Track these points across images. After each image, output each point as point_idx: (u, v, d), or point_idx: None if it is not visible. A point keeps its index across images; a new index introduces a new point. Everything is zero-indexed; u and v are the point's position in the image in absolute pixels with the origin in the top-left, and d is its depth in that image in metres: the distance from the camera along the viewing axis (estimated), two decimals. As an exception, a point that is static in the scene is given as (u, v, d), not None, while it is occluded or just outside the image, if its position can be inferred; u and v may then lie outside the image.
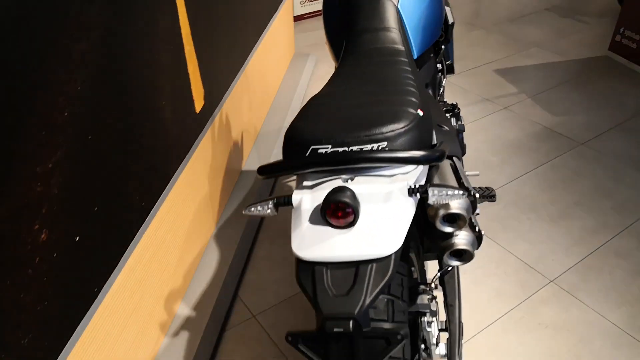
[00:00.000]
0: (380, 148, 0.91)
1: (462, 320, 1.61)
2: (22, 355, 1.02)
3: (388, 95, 1.05)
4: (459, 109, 1.66)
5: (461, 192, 0.88)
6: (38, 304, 1.06)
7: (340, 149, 0.92)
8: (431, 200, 0.89)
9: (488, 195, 1.65)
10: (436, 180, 1.06)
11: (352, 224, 0.85)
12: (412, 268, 1.32)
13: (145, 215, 1.52)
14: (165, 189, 1.64)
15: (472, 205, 1.00)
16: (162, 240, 1.64)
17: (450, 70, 1.95)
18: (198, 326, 1.76)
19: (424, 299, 1.20)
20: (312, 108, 1.06)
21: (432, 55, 1.64)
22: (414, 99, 1.04)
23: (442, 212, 0.94)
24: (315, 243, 0.85)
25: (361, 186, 0.90)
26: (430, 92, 1.55)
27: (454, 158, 1.15)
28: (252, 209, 0.95)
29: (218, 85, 2.07)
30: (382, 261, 0.82)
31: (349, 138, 0.93)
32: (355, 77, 1.19)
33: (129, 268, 1.44)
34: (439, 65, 1.77)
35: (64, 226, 1.13)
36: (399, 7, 1.41)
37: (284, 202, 0.94)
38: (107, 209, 1.30)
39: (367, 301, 0.79)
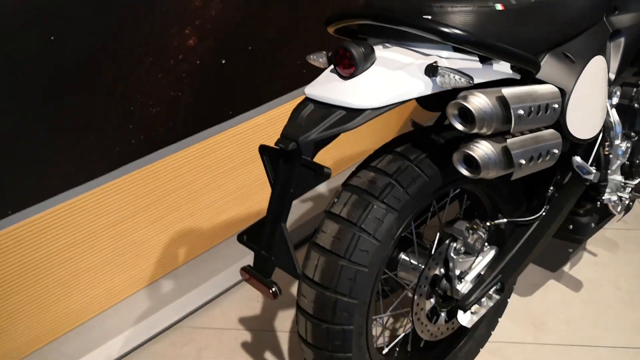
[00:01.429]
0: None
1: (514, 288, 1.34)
2: (147, 122, 1.38)
3: None
4: None
5: (467, 79, 0.79)
6: (171, 90, 1.39)
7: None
8: (438, 81, 0.83)
9: None
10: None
11: (352, 75, 0.86)
12: (500, 214, 1.20)
13: (298, 86, 1.73)
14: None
15: (506, 118, 0.87)
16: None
17: None
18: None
19: (462, 224, 1.11)
20: None
21: None
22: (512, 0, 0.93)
23: (455, 101, 0.85)
24: (318, 84, 0.90)
25: (389, 52, 0.89)
26: (621, 46, 1.26)
27: (551, 85, 0.98)
28: (311, 56, 1.04)
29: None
30: (352, 112, 0.83)
31: (403, 4, 0.91)
32: None
33: (271, 117, 1.69)
34: None
35: (213, 45, 1.42)
36: None
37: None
38: (261, 53, 1.55)
39: (313, 135, 0.82)
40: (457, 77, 0.80)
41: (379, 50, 0.90)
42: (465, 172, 0.91)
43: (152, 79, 1.34)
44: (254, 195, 1.79)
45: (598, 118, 1.13)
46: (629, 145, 1.33)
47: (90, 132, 1.28)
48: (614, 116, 1.28)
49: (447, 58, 0.88)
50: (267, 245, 0.90)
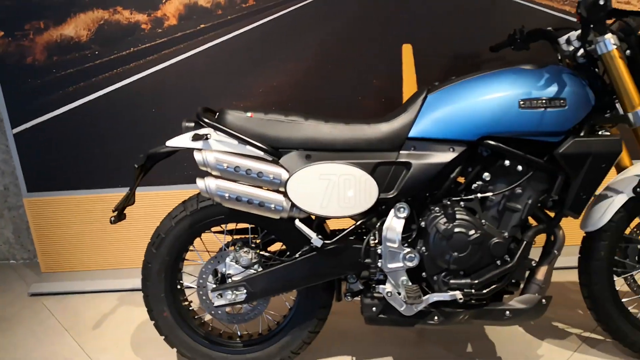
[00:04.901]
0: None
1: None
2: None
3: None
4: None
5: (194, 141, 1.62)
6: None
7: None
8: (190, 140, 1.67)
9: None
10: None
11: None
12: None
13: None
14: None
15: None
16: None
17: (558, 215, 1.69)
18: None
19: (240, 246, 1.78)
20: None
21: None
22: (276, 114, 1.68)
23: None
24: None
25: (206, 129, 1.77)
26: (408, 175, 1.67)
27: (277, 166, 1.64)
28: None
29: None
30: (164, 145, 1.75)
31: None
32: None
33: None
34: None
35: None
36: (427, 97, 1.71)
37: None
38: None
39: (149, 151, 1.77)
40: (190, 142, 1.64)
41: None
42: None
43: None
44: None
45: (335, 206, 1.64)
46: (414, 254, 1.68)
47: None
48: (395, 223, 1.69)
49: (217, 134, 1.70)
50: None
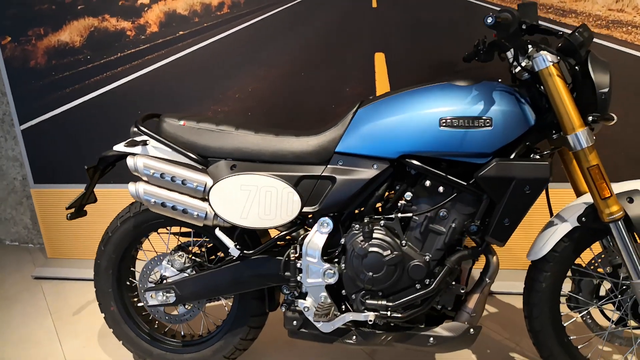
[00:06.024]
0: None
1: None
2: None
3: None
4: None
5: (128, 149, 1.69)
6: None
7: None
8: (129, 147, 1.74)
9: None
10: None
11: None
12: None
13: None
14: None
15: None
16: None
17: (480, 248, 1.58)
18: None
19: (177, 250, 1.84)
20: None
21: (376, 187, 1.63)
22: (214, 122, 1.72)
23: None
24: None
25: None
26: (332, 189, 1.62)
27: (203, 175, 1.67)
28: None
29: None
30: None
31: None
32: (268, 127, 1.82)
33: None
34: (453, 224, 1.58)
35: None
36: (358, 111, 1.67)
37: None
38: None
39: (101, 155, 1.87)
40: (130, 147, 1.72)
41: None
42: None
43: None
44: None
45: (255, 217, 1.65)
46: (334, 271, 1.65)
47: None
48: (316, 238, 1.67)
49: (155, 142, 1.77)
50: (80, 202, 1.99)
